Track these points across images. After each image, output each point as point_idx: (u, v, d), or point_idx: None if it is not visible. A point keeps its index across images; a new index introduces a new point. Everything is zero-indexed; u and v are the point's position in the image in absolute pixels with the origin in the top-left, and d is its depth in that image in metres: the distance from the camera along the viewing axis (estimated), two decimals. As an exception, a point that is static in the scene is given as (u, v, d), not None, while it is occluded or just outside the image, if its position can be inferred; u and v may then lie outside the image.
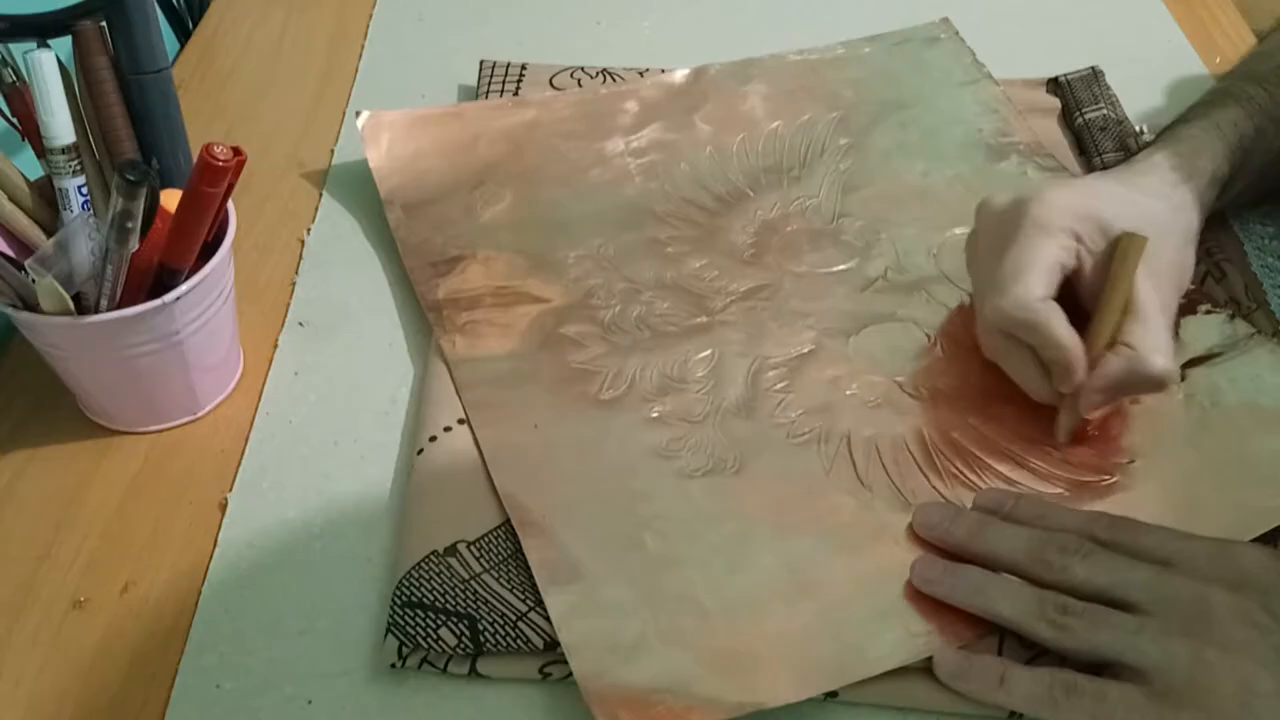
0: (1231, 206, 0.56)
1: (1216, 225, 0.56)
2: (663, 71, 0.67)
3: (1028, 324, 0.45)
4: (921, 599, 0.41)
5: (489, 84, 0.65)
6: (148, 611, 0.42)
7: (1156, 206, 0.49)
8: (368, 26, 0.73)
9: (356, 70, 0.69)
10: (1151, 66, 0.69)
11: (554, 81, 0.66)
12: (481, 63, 0.67)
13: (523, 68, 0.66)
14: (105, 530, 0.44)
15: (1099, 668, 0.38)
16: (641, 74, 0.67)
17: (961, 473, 0.46)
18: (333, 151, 0.63)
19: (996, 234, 0.48)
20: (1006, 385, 0.48)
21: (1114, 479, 0.46)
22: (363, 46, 0.71)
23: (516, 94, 0.64)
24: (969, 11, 0.74)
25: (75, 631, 0.41)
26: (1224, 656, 0.36)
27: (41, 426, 0.48)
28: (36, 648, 0.41)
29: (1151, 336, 0.45)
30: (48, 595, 0.42)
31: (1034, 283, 0.45)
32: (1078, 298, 0.48)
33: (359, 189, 0.60)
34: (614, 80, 0.66)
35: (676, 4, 0.75)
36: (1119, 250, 0.46)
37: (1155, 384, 0.45)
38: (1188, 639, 0.37)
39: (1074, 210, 0.47)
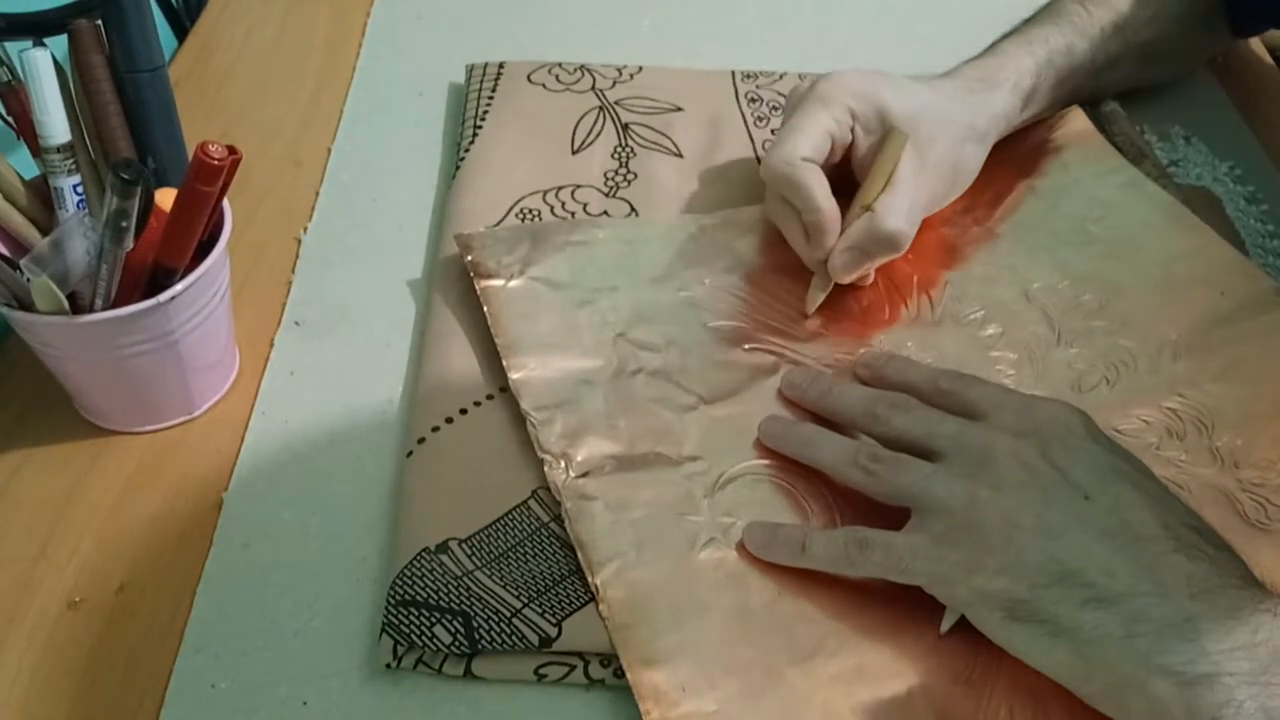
0: (1041, 113, 0.60)
1: (1219, 225, 0.56)
2: (640, 69, 0.66)
3: (788, 180, 0.50)
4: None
5: (472, 86, 0.64)
6: (143, 612, 0.42)
7: (943, 103, 0.53)
8: (365, 24, 0.73)
9: (354, 68, 0.69)
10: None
11: (531, 78, 0.65)
12: (468, 67, 0.66)
13: (500, 65, 0.66)
14: (101, 530, 0.44)
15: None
16: (620, 70, 0.66)
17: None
18: (330, 150, 0.63)
19: (790, 110, 0.53)
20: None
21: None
22: (360, 45, 0.71)
23: (494, 93, 0.64)
24: (967, 9, 0.74)
25: (71, 632, 0.41)
26: (994, 495, 0.39)
27: (37, 426, 0.48)
28: (32, 648, 0.41)
29: (894, 202, 0.49)
30: (43, 595, 0.42)
31: (800, 143, 0.50)
32: (855, 179, 0.52)
33: (356, 188, 0.60)
34: (592, 77, 0.66)
35: (675, 2, 0.75)
36: (885, 139, 0.50)
37: (889, 243, 0.49)
38: (968, 481, 0.40)
39: (855, 90, 0.51)
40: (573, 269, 0.52)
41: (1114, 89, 0.63)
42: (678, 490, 0.44)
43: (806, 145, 0.50)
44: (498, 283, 0.51)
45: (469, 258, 0.52)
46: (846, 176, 0.52)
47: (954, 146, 0.53)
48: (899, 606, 0.40)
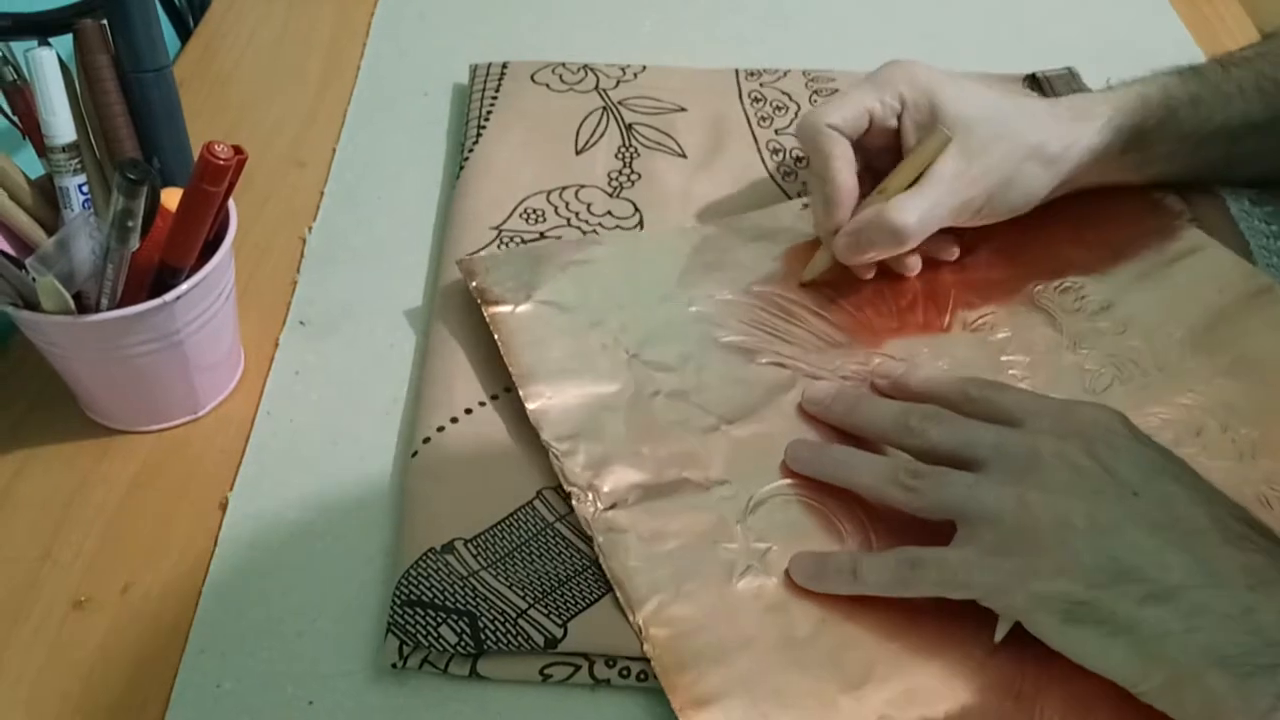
0: (1165, 172, 0.56)
1: (1223, 227, 0.56)
2: (644, 69, 0.66)
3: (810, 144, 0.50)
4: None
5: (476, 86, 0.64)
6: (148, 611, 0.42)
7: (1013, 117, 0.50)
8: (369, 24, 0.73)
9: (358, 68, 0.69)
10: (1156, 63, 0.69)
11: (535, 78, 0.65)
12: (472, 67, 0.66)
13: (504, 66, 0.66)
14: (106, 530, 0.44)
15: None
16: (623, 70, 0.66)
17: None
18: (334, 150, 0.63)
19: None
20: None
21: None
22: (364, 45, 0.71)
23: (498, 93, 0.64)
24: (974, 7, 0.74)
25: (76, 632, 0.41)
26: (1044, 496, 0.38)
27: (42, 426, 0.48)
28: (37, 648, 0.41)
29: (912, 199, 0.48)
30: (48, 595, 0.42)
31: (834, 111, 0.50)
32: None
33: (361, 187, 0.60)
34: (596, 76, 0.66)
35: (676, 3, 0.75)
36: (927, 136, 0.49)
37: (891, 235, 0.48)
38: (1016, 486, 0.39)
39: (914, 79, 0.51)
40: (579, 290, 0.51)
41: (1252, 168, 0.57)
42: (710, 517, 0.43)
43: (838, 115, 0.50)
44: (505, 309, 0.50)
45: (473, 284, 0.51)
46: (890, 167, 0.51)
47: (1009, 160, 0.50)
48: (944, 623, 0.40)
